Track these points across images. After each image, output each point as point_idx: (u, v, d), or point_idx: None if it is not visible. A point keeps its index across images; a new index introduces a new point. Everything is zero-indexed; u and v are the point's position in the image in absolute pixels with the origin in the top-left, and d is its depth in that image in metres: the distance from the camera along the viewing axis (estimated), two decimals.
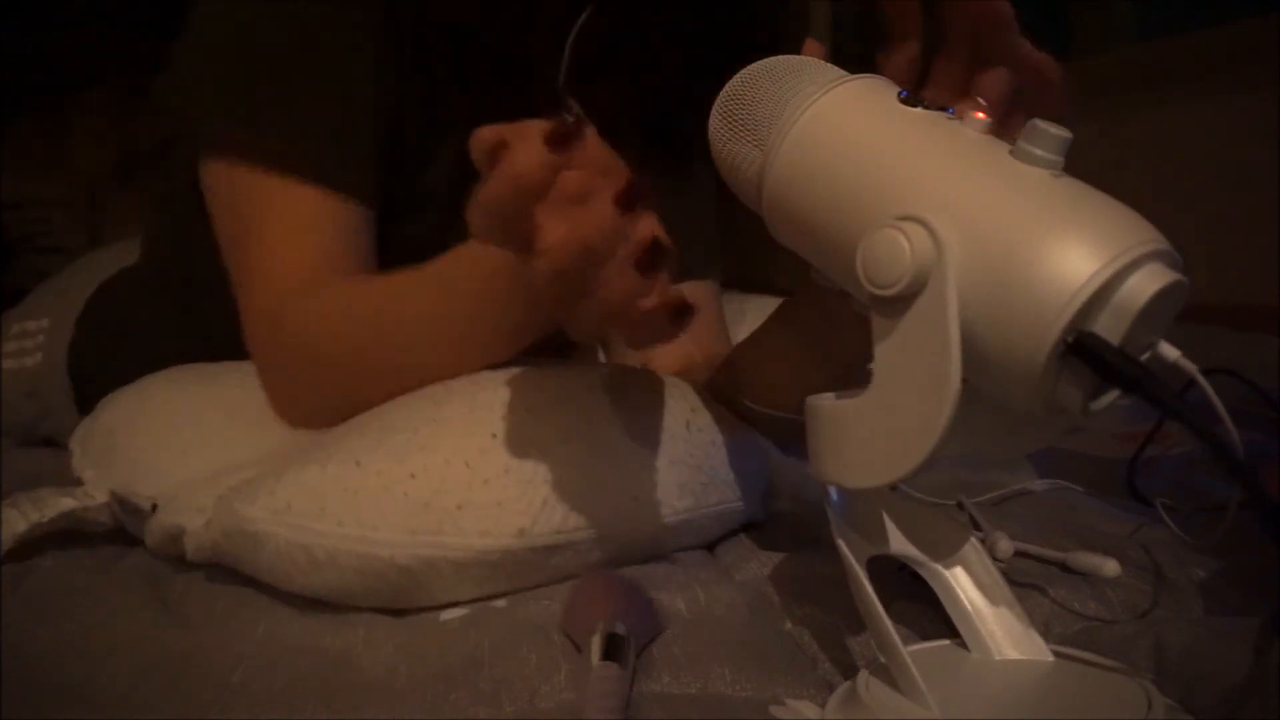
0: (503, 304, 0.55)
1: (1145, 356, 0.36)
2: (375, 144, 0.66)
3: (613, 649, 0.41)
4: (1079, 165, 0.38)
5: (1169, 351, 0.36)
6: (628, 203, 0.40)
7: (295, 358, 0.62)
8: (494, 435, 0.52)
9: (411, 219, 0.69)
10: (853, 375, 0.61)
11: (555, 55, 0.68)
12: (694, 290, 0.79)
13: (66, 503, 0.62)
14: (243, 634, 0.51)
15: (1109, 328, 0.35)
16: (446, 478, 0.51)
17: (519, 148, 0.39)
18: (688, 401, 0.59)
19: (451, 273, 0.57)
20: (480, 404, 0.54)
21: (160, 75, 0.68)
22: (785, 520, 0.62)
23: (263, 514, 0.52)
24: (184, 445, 0.65)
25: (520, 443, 0.52)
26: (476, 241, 0.53)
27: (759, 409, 0.62)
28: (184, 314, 0.82)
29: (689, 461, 0.56)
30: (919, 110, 0.41)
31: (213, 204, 0.68)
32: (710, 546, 0.59)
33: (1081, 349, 0.34)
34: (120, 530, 0.63)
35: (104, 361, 0.82)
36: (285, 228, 0.64)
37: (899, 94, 0.43)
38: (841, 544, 0.41)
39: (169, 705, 0.43)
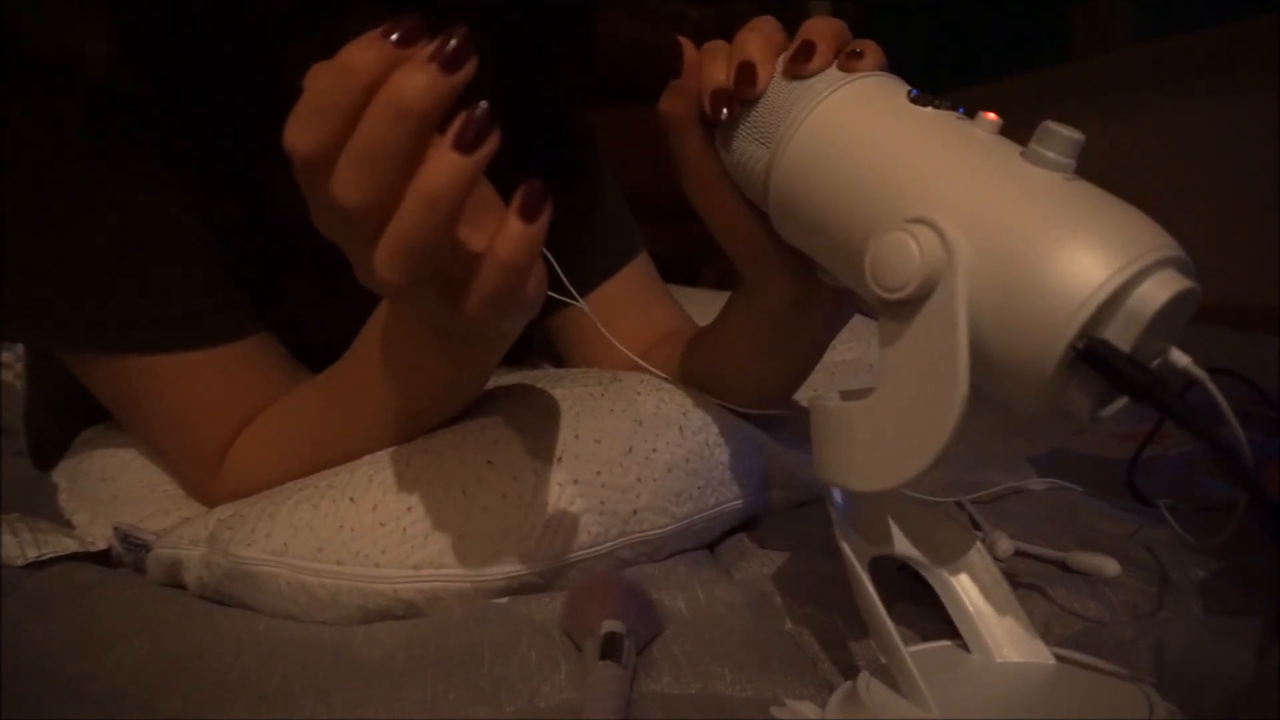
0: (419, 353, 0.51)
1: (1155, 363, 0.36)
2: (218, 273, 0.60)
3: (612, 648, 0.41)
4: (1078, 165, 0.38)
5: (1179, 358, 0.36)
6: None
7: (239, 497, 0.59)
8: (489, 462, 0.52)
9: (296, 336, 0.64)
10: (811, 362, 0.61)
11: None
12: (624, 276, 0.78)
13: (68, 543, 0.62)
14: (241, 630, 0.50)
15: (1120, 334, 0.34)
16: (444, 509, 0.50)
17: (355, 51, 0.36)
18: (679, 404, 0.59)
19: (361, 355, 0.54)
20: (470, 430, 0.54)
21: None
22: (785, 519, 0.62)
23: (261, 555, 0.52)
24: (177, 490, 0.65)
25: (516, 466, 0.51)
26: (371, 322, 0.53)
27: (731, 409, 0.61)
28: None
29: (685, 467, 0.56)
30: (929, 110, 0.41)
31: (95, 392, 0.62)
32: (710, 546, 0.59)
33: (1092, 356, 0.34)
34: None
35: (58, 410, 0.77)
36: (179, 403, 0.59)
37: (909, 93, 0.42)
38: (844, 545, 0.40)
39: (167, 702, 0.43)
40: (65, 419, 0.76)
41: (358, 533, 0.50)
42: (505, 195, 0.39)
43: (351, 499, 0.52)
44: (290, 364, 0.63)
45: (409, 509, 0.50)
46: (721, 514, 0.58)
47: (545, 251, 0.50)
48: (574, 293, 0.56)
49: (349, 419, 0.56)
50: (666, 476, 0.55)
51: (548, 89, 0.73)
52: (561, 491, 0.51)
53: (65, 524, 0.66)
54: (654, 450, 0.55)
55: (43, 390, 0.84)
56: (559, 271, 0.56)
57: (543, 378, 0.61)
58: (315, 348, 0.62)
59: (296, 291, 0.65)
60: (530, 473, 0.51)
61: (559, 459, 0.52)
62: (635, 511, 0.53)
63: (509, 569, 0.50)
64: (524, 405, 0.56)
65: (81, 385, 0.63)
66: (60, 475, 0.71)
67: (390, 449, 0.55)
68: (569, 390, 0.57)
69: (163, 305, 0.58)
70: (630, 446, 0.54)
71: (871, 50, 0.45)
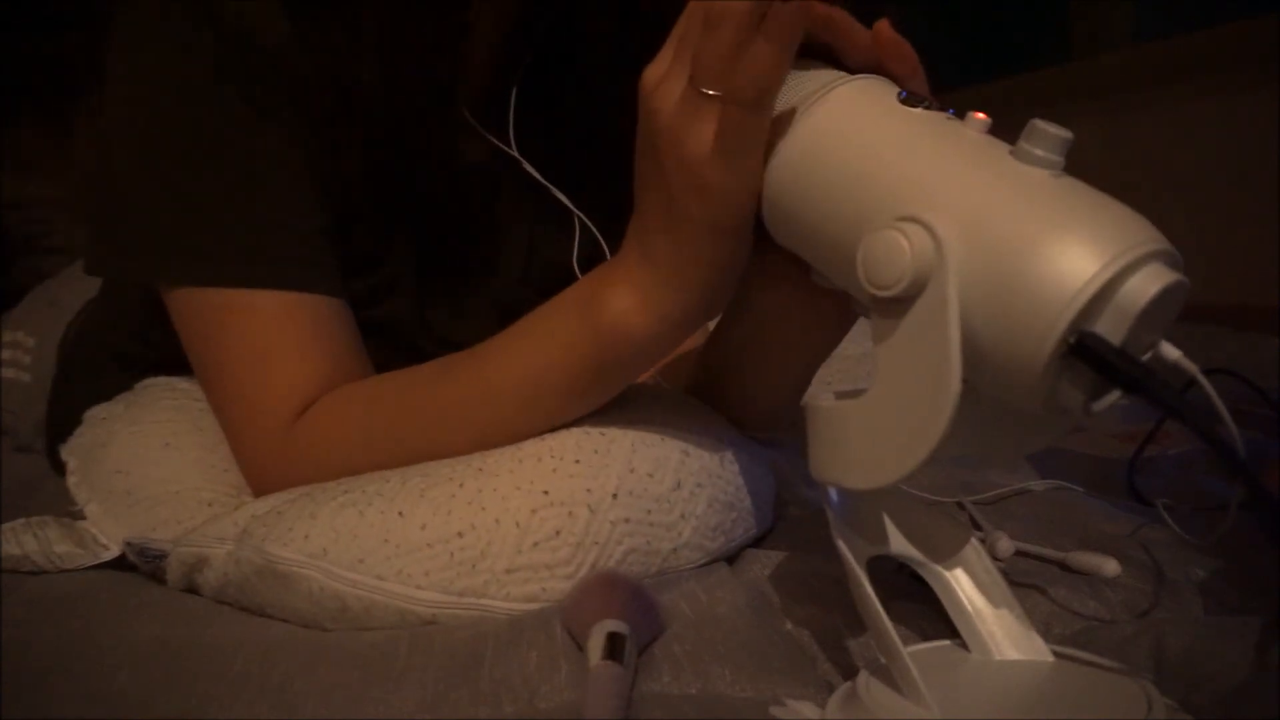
0: (580, 364, 0.52)
1: (1147, 357, 0.36)
2: (328, 234, 0.62)
3: (614, 648, 0.41)
4: (1079, 165, 0.38)
5: (1170, 351, 0.36)
6: None
7: (310, 476, 0.58)
8: (545, 492, 0.50)
9: (379, 304, 0.66)
10: (810, 370, 0.61)
11: (493, 116, 0.68)
12: None
13: (77, 555, 0.61)
14: (242, 629, 0.51)
15: (1110, 328, 0.35)
16: (495, 539, 0.49)
17: None
18: (718, 432, 0.57)
19: (524, 344, 0.54)
20: (527, 454, 0.52)
21: (89, 240, 0.63)
22: (788, 522, 0.62)
23: (297, 556, 0.51)
24: (197, 485, 0.64)
25: (572, 500, 0.50)
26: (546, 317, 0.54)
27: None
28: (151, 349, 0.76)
29: (723, 500, 0.55)
30: (919, 110, 0.41)
31: (182, 332, 0.63)
32: None
33: (1083, 349, 0.34)
34: None
35: (80, 400, 0.77)
36: (272, 343, 0.60)
37: (899, 94, 0.43)
38: (841, 544, 0.41)
39: (167, 701, 0.43)
40: (91, 394, 0.75)
41: (403, 549, 0.49)
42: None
43: (400, 513, 0.50)
44: (361, 342, 0.64)
45: (459, 534, 0.49)
46: (744, 542, 0.58)
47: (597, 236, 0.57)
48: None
49: (448, 411, 0.55)
50: (707, 512, 0.54)
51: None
52: (613, 530, 0.50)
53: (77, 514, 0.65)
54: (699, 485, 0.54)
55: (79, 360, 0.85)
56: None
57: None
58: (382, 327, 0.65)
59: (390, 266, 0.66)
60: (585, 509, 0.50)
61: (614, 495, 0.51)
62: (675, 549, 0.53)
63: (547, 603, 0.49)
64: (583, 432, 0.54)
65: (117, 361, 0.66)
66: (70, 454, 0.69)
67: (444, 464, 0.53)
68: (619, 413, 0.56)
69: (271, 243, 0.60)
70: (679, 481, 0.53)
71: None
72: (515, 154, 0.68)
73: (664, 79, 0.46)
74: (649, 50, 0.48)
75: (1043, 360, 0.35)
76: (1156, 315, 0.35)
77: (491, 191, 0.70)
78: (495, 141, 0.68)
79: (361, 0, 0.60)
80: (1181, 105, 1.70)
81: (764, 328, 0.57)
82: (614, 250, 0.53)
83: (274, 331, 0.60)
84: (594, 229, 0.70)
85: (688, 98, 0.45)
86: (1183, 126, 1.69)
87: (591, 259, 0.64)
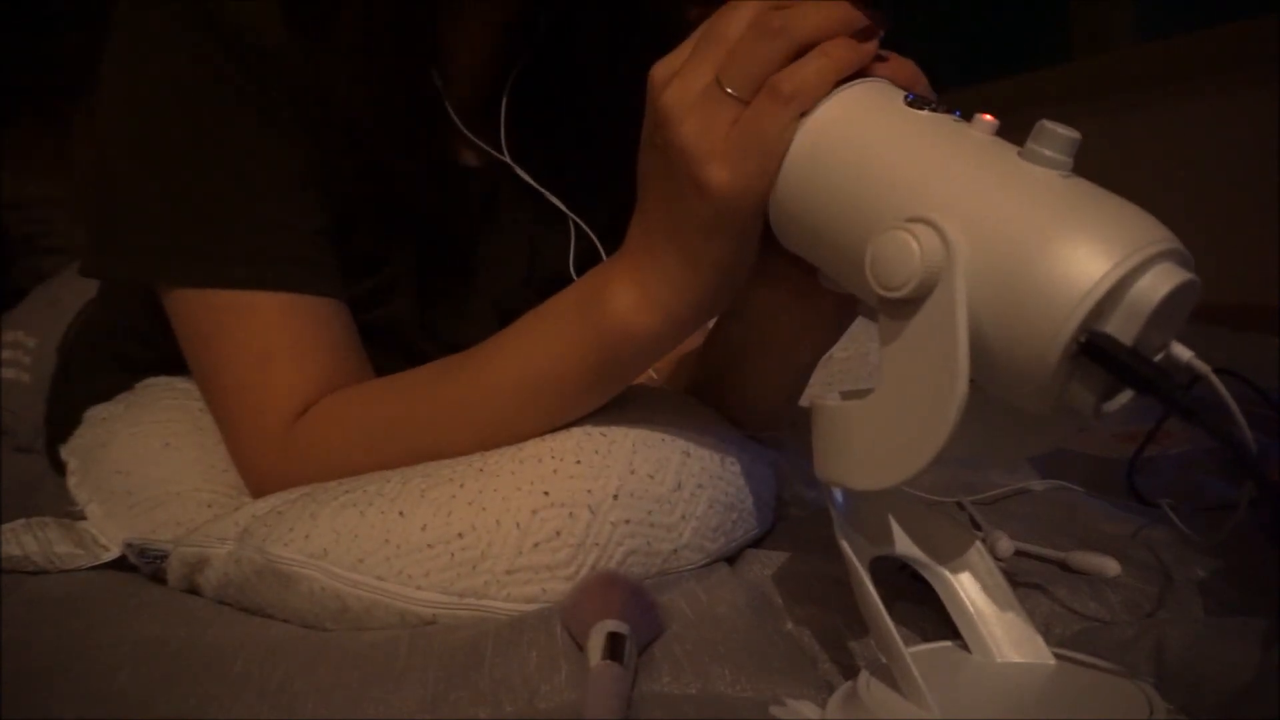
0: (577, 362, 0.52)
1: (1158, 358, 0.36)
2: (328, 235, 0.62)
3: (614, 648, 0.41)
4: (1078, 165, 0.38)
5: (1181, 352, 0.36)
6: None
7: (310, 477, 0.57)
8: (546, 493, 0.50)
9: (380, 306, 0.66)
10: (808, 370, 0.61)
11: (490, 120, 0.68)
12: None
13: (77, 555, 0.61)
14: (243, 628, 0.51)
15: (1121, 328, 0.34)
16: (495, 540, 0.49)
17: None
18: (720, 433, 0.57)
19: (518, 345, 0.54)
20: (528, 455, 0.52)
21: (87, 242, 0.64)
22: (788, 522, 0.62)
23: (298, 556, 0.50)
24: (197, 486, 0.64)
25: (572, 501, 0.50)
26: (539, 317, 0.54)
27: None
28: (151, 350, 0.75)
29: (724, 501, 0.55)
30: (925, 113, 0.41)
31: (181, 333, 0.63)
32: None
33: (1094, 349, 0.34)
34: None
35: (80, 400, 0.77)
36: (271, 343, 0.60)
37: (905, 97, 0.42)
38: (844, 544, 0.40)
39: (168, 700, 0.43)
40: (91, 394, 0.75)
41: (403, 550, 0.49)
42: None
43: (401, 513, 0.50)
44: (360, 343, 0.64)
45: (460, 535, 0.49)
46: (744, 543, 0.58)
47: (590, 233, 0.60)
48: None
49: (446, 408, 0.55)
50: (707, 513, 0.54)
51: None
52: (614, 531, 0.50)
53: (77, 514, 0.65)
54: (699, 486, 0.54)
55: (78, 360, 0.85)
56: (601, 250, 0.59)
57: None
58: (383, 329, 0.65)
59: (390, 267, 0.66)
60: (586, 510, 0.50)
61: (614, 496, 0.51)
62: (676, 550, 0.53)
63: (547, 604, 0.49)
64: (584, 432, 0.54)
65: (117, 361, 0.67)
66: (70, 454, 0.69)
67: (445, 464, 0.53)
68: (621, 414, 0.55)
69: (271, 243, 0.60)
70: (679, 482, 0.53)
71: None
72: (507, 159, 0.68)
73: (679, 74, 0.45)
74: (647, 52, 0.48)
75: (1053, 360, 0.35)
76: (1168, 315, 0.35)
77: (490, 194, 0.70)
78: (485, 147, 0.68)
79: (355, 4, 0.59)
80: (1181, 105, 1.70)
81: (764, 327, 0.57)
82: (610, 252, 0.53)
83: (274, 332, 0.60)
84: (589, 231, 0.70)
85: (710, 95, 0.44)
86: (1183, 126, 1.69)
87: (589, 262, 0.65)
